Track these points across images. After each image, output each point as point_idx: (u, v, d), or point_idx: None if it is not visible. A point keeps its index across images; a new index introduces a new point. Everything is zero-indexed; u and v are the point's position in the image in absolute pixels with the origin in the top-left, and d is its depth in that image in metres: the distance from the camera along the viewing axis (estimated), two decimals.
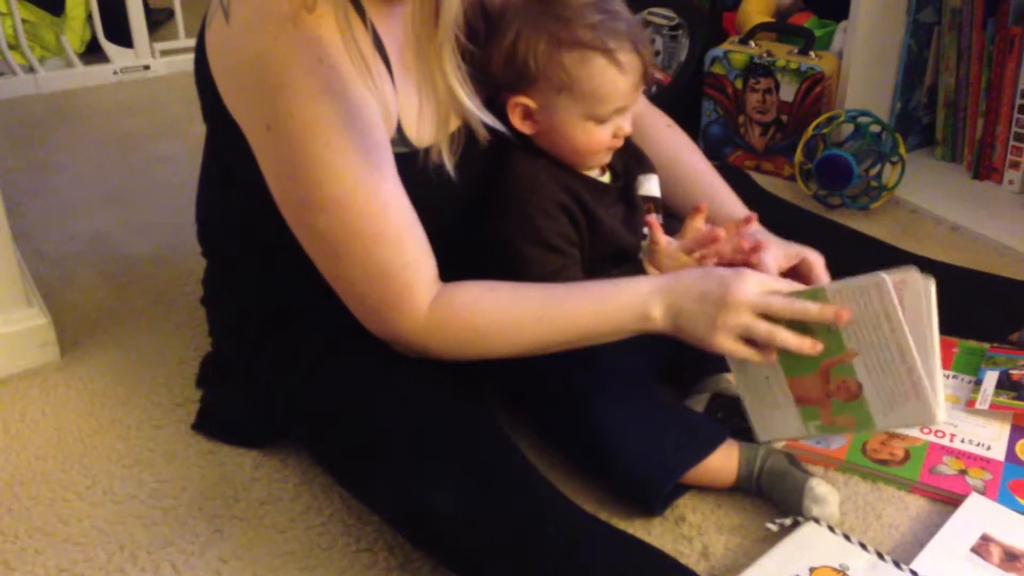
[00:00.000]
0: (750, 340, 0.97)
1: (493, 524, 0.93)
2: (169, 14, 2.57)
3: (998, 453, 1.15)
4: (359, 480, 1.06)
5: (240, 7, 0.95)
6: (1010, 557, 1.00)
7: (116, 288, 1.55)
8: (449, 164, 1.03)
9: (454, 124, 1.04)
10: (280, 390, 1.11)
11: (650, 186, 1.20)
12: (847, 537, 1.02)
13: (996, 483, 1.10)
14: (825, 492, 1.04)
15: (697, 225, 1.13)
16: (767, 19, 1.97)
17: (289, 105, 0.92)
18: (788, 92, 1.82)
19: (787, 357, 0.99)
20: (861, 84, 1.81)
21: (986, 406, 1.20)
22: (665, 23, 2.02)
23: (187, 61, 1.06)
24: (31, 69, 2.33)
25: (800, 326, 0.97)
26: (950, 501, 1.09)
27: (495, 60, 1.07)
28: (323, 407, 1.08)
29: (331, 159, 0.94)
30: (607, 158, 1.14)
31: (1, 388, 1.32)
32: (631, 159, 1.20)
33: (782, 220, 1.27)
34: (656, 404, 1.12)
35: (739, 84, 1.87)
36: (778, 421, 1.04)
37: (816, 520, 1.04)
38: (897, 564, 0.99)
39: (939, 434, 1.18)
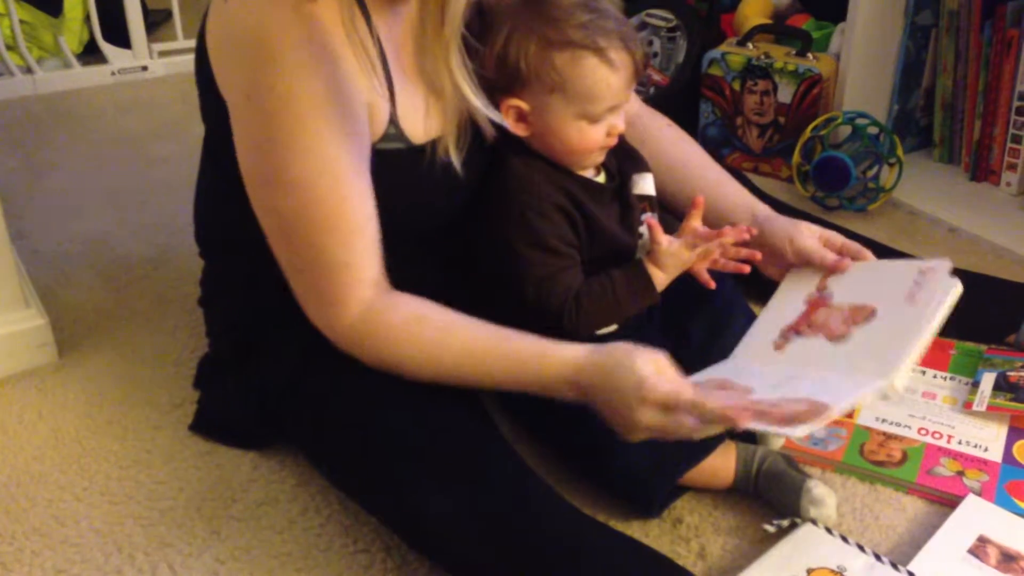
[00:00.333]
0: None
1: (488, 527, 0.93)
2: (167, 15, 2.57)
3: (995, 454, 1.15)
4: (354, 482, 1.05)
5: None
6: (1007, 558, 1.01)
7: (114, 289, 1.55)
8: (457, 161, 1.04)
9: (460, 121, 1.04)
10: (275, 391, 1.11)
11: (644, 185, 1.20)
12: (844, 538, 1.02)
13: (993, 484, 1.11)
14: (823, 493, 1.04)
15: (694, 224, 1.12)
16: (765, 21, 1.97)
17: (271, 78, 0.93)
18: (786, 94, 1.82)
19: None
20: (859, 86, 1.81)
21: (983, 408, 1.20)
22: (663, 25, 2.02)
23: (185, 62, 1.07)
24: (29, 70, 2.33)
25: None
26: (947, 502, 1.09)
27: (488, 63, 1.07)
28: (318, 408, 1.08)
29: (303, 139, 0.94)
30: (601, 157, 1.14)
31: None
32: (625, 158, 1.20)
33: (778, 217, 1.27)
34: None
35: (737, 86, 1.87)
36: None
37: (813, 521, 1.04)
38: (895, 565, 0.99)
39: (936, 435, 1.18)
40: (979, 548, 1.02)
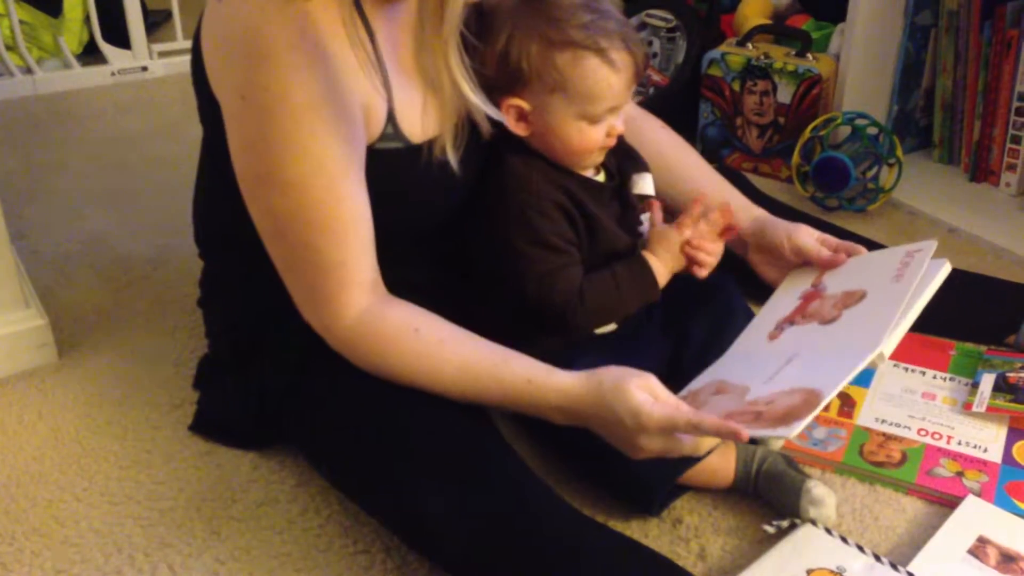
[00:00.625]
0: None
1: (487, 527, 0.93)
2: (167, 15, 2.57)
3: (995, 455, 1.15)
4: (354, 482, 1.06)
5: None
6: (1007, 559, 1.01)
7: (114, 289, 1.55)
8: (454, 160, 1.04)
9: (457, 119, 1.04)
10: (275, 391, 1.11)
11: (644, 185, 1.20)
12: (844, 539, 1.02)
13: (993, 485, 1.11)
14: (822, 494, 1.04)
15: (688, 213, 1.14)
16: (764, 21, 1.97)
17: (266, 77, 0.93)
18: (785, 94, 1.82)
19: None
20: (858, 86, 1.81)
21: (983, 409, 1.20)
22: (662, 25, 2.02)
23: (185, 63, 1.06)
24: (29, 70, 2.33)
25: None
26: (947, 503, 1.09)
27: (488, 63, 1.07)
28: (317, 408, 1.08)
29: (298, 139, 0.94)
30: (600, 158, 1.14)
31: None
32: (624, 158, 1.20)
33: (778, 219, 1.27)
34: None
35: (736, 86, 1.87)
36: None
37: (813, 522, 1.04)
38: (894, 566, 0.99)
39: (936, 436, 1.18)
40: (979, 549, 1.02)
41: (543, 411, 0.99)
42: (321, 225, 0.97)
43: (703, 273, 1.14)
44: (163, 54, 2.47)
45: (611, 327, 1.15)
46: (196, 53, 1.03)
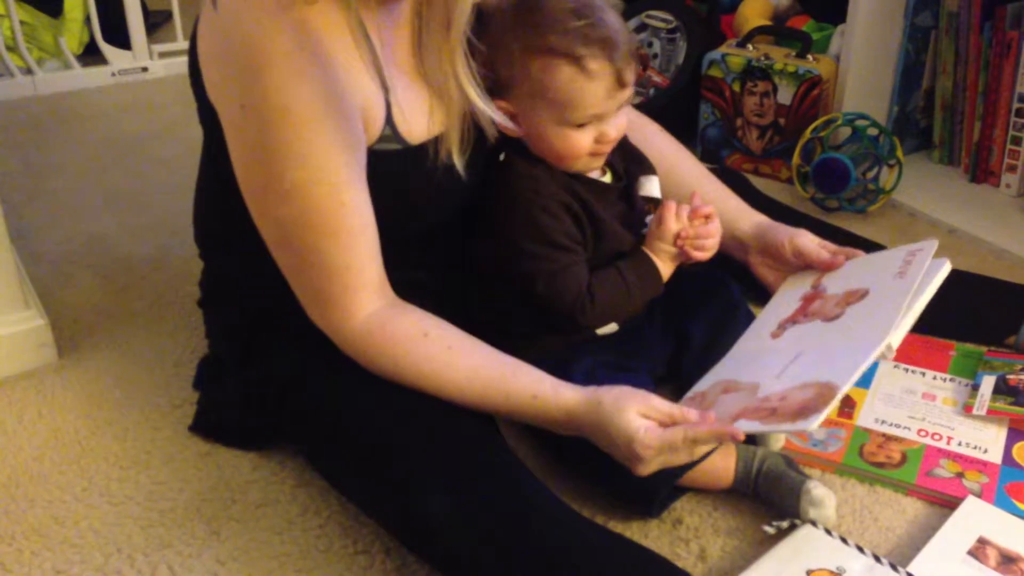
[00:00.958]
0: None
1: (487, 529, 0.93)
2: (167, 16, 2.57)
3: (995, 456, 1.15)
4: (352, 483, 1.06)
5: None
6: (1007, 560, 1.01)
7: (114, 290, 1.55)
8: (459, 164, 1.04)
9: (463, 124, 1.04)
10: (274, 392, 1.11)
11: (651, 187, 1.20)
12: (844, 540, 1.02)
13: (993, 486, 1.10)
14: (822, 495, 1.04)
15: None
16: (765, 22, 1.97)
17: (266, 87, 0.93)
18: (786, 95, 1.82)
19: None
20: (858, 87, 1.81)
21: (983, 412, 1.20)
22: (663, 26, 2.02)
23: (185, 63, 1.06)
24: (29, 71, 2.33)
25: None
26: (947, 504, 1.09)
27: (482, 65, 1.07)
28: (316, 409, 1.08)
29: (299, 147, 0.94)
30: (596, 163, 1.14)
31: None
32: (632, 161, 1.20)
33: (779, 223, 1.27)
34: None
35: (737, 87, 1.87)
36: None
37: (813, 523, 1.04)
38: (894, 567, 0.99)
39: (936, 437, 1.18)
40: (979, 550, 1.02)
41: (547, 425, 1.01)
42: (326, 230, 0.97)
43: (704, 256, 1.14)
44: (163, 55, 2.47)
45: (612, 328, 1.16)
46: (193, 58, 1.03)
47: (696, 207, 1.14)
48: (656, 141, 1.30)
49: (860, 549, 1.01)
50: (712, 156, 1.95)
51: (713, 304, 1.21)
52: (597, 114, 1.07)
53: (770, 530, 1.04)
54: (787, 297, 1.16)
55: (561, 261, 1.09)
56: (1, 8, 2.28)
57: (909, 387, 1.27)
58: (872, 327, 0.98)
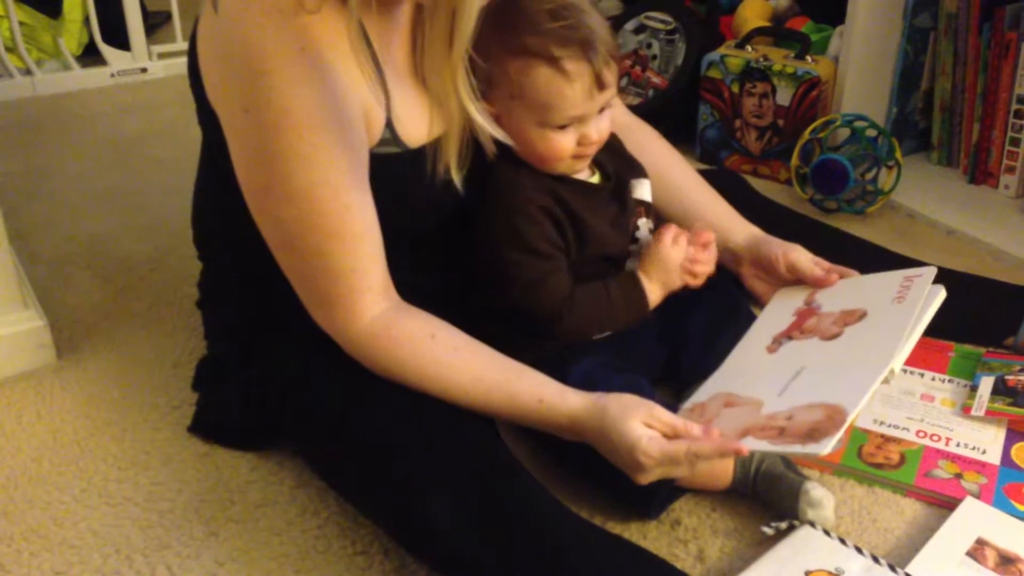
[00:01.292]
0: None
1: (486, 530, 0.93)
2: (166, 17, 2.57)
3: (993, 457, 1.15)
4: (353, 483, 1.05)
5: None
6: (1005, 561, 1.01)
7: (113, 291, 1.55)
8: (458, 179, 1.05)
9: (462, 140, 1.04)
10: (273, 393, 1.11)
11: (642, 190, 1.20)
12: (843, 541, 1.02)
13: (991, 487, 1.11)
14: (821, 495, 1.04)
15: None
16: (764, 23, 1.97)
17: (268, 91, 0.93)
18: (784, 96, 1.82)
19: None
20: (857, 88, 1.81)
21: (982, 413, 1.20)
22: (662, 27, 2.02)
23: (184, 64, 1.06)
24: (28, 72, 2.33)
25: None
26: (945, 505, 1.09)
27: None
28: (315, 410, 1.08)
29: (302, 151, 0.94)
30: (580, 165, 1.13)
31: None
32: (623, 163, 1.20)
33: (778, 224, 1.28)
34: None
35: (735, 88, 1.87)
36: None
37: (811, 524, 1.04)
38: (892, 568, 0.99)
39: (935, 438, 1.18)
40: (977, 550, 1.02)
41: (550, 429, 1.01)
42: (329, 233, 0.97)
43: (695, 283, 1.15)
44: (162, 55, 2.47)
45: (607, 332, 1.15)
46: (192, 59, 1.03)
47: (696, 232, 1.14)
48: (651, 146, 1.30)
49: (859, 550, 1.01)
50: (711, 157, 1.95)
51: (712, 304, 1.21)
52: (577, 116, 1.07)
53: (769, 531, 1.04)
54: (779, 311, 1.17)
55: (539, 269, 1.09)
56: (0, 9, 2.28)
57: (908, 388, 1.27)
58: (875, 350, 0.99)
